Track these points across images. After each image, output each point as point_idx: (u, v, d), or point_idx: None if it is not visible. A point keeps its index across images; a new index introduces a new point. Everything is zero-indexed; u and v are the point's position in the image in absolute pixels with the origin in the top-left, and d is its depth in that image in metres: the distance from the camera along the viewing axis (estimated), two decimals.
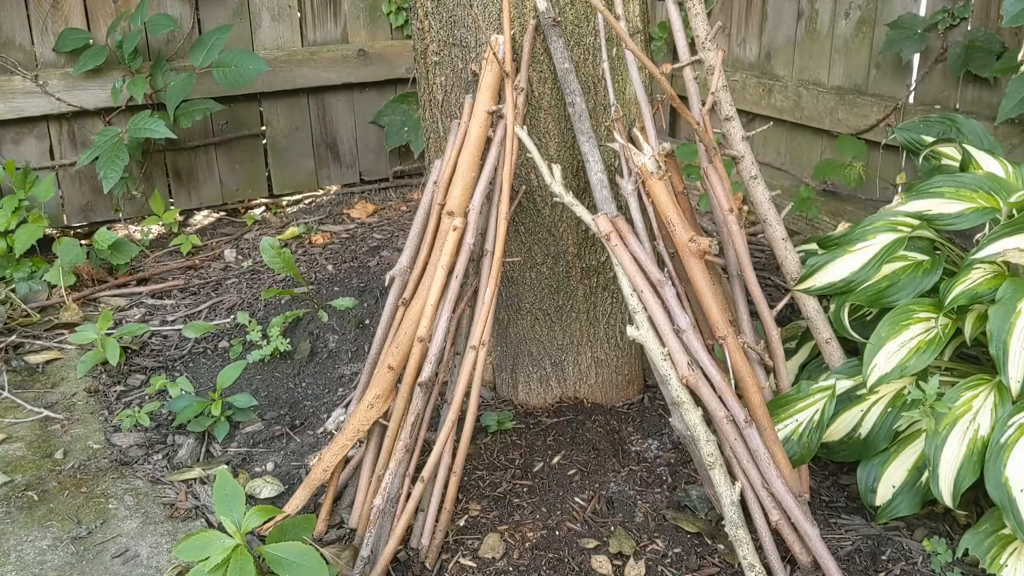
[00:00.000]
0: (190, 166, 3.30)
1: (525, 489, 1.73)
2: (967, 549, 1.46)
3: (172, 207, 3.29)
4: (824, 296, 1.68)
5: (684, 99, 1.61)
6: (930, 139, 1.92)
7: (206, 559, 1.31)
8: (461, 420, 1.63)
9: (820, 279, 1.65)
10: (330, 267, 2.85)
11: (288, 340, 2.29)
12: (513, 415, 1.94)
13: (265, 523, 1.44)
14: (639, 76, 1.64)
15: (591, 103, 1.74)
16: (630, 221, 1.57)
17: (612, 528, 1.62)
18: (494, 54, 1.59)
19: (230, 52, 2.99)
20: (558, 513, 1.66)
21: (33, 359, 2.33)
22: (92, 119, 3.08)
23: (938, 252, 1.68)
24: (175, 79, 2.95)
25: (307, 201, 3.54)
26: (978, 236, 1.62)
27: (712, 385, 1.47)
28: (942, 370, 1.68)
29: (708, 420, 1.49)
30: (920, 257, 1.64)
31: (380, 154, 3.65)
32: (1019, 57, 2.16)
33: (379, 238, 3.10)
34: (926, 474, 1.54)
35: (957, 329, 1.54)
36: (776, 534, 1.50)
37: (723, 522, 1.47)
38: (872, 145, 2.74)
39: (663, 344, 1.47)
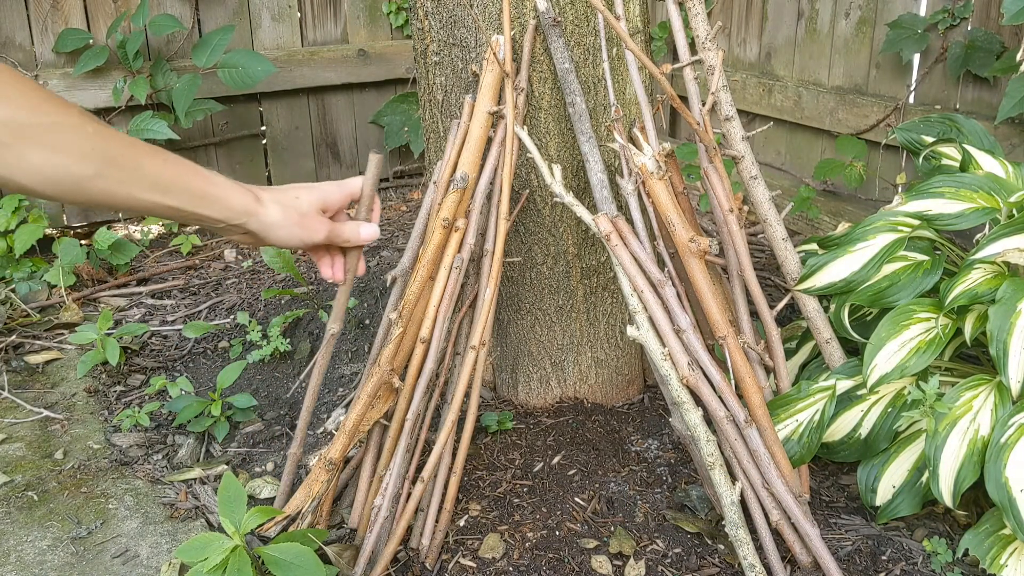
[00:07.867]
0: None
1: (525, 489, 1.73)
2: (967, 549, 1.46)
3: None
4: (824, 296, 1.68)
5: (684, 99, 1.61)
6: (930, 139, 1.92)
7: (205, 559, 1.32)
8: (461, 420, 1.63)
9: (820, 279, 1.65)
10: None
11: (288, 340, 2.29)
12: (513, 415, 1.94)
13: (264, 523, 1.44)
14: (639, 76, 1.64)
15: (591, 103, 1.74)
16: (630, 221, 1.57)
17: (612, 528, 1.62)
18: (494, 54, 1.59)
19: (235, 53, 2.99)
20: (558, 513, 1.66)
21: (33, 359, 2.33)
22: None
23: (938, 252, 1.68)
24: (177, 79, 2.95)
25: None
26: (978, 236, 1.62)
27: (712, 385, 1.47)
28: (942, 370, 1.67)
29: (708, 420, 1.49)
30: (920, 257, 1.64)
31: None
32: (1019, 57, 2.16)
33: (379, 238, 3.10)
34: (926, 474, 1.54)
35: (957, 329, 1.54)
36: (776, 534, 1.50)
37: (723, 522, 1.47)
38: (872, 145, 2.74)
39: (663, 344, 1.47)
